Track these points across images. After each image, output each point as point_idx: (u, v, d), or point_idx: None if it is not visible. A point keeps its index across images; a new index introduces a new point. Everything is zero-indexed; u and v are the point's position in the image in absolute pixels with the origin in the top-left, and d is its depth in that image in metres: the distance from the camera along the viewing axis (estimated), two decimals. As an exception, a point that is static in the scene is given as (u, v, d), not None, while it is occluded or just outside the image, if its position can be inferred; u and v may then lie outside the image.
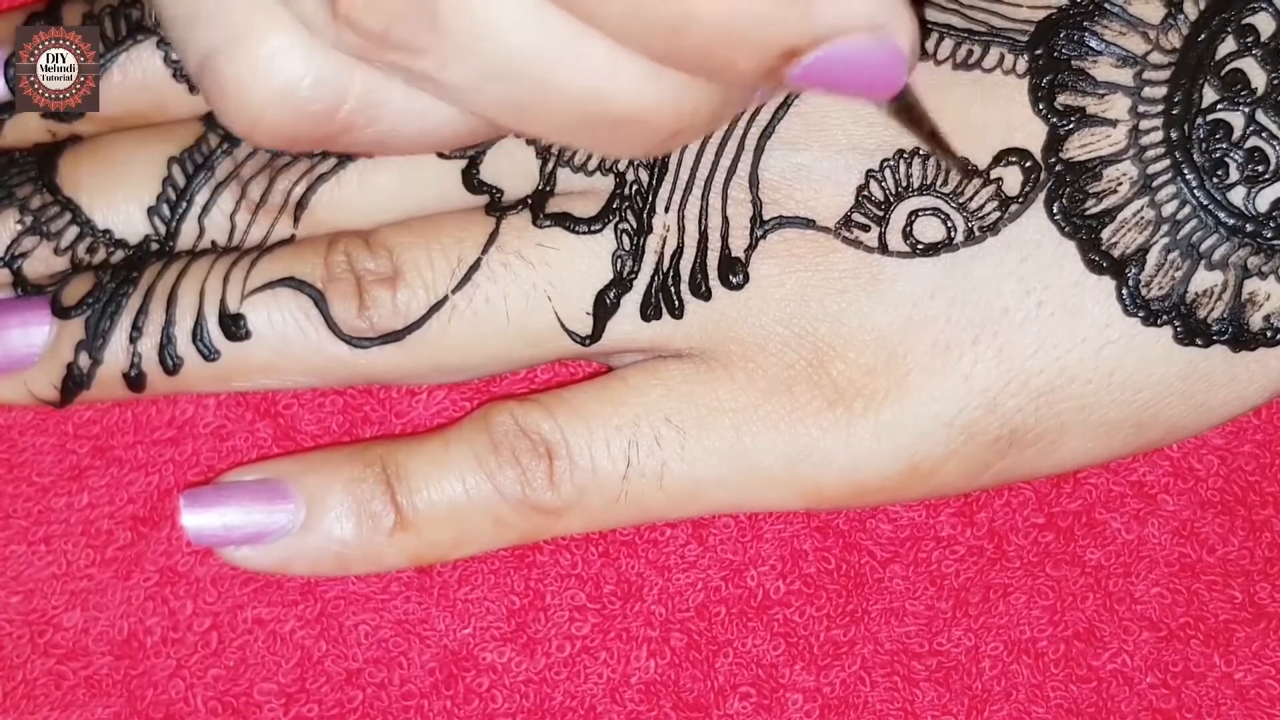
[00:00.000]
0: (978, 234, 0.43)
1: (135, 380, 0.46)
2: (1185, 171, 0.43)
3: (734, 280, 0.44)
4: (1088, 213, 0.43)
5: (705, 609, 0.48)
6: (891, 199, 0.44)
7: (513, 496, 0.45)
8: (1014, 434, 0.44)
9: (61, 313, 0.46)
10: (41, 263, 0.47)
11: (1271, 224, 0.43)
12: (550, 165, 0.45)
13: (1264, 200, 0.43)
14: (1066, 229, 0.43)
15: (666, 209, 0.45)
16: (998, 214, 0.43)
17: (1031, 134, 0.43)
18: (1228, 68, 0.43)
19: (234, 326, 0.46)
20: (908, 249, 0.44)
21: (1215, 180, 0.43)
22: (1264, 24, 0.43)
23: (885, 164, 0.44)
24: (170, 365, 0.46)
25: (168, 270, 0.46)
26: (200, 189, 0.47)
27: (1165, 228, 0.43)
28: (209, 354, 0.46)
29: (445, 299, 0.45)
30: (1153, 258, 0.43)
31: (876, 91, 0.38)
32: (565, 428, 0.45)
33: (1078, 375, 0.44)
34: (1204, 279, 0.43)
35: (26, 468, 0.48)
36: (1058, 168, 0.43)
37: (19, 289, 0.47)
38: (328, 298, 0.45)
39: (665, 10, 0.35)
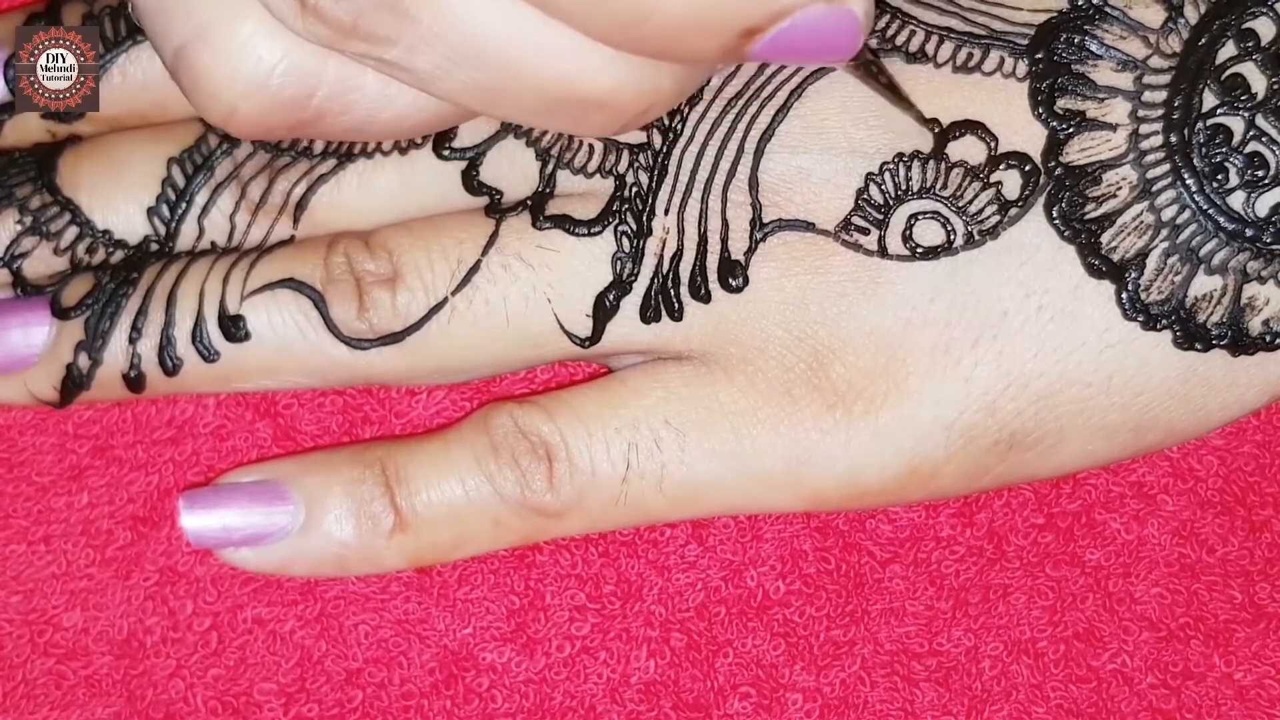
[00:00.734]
0: (977, 238, 0.43)
1: (135, 381, 0.46)
2: (1185, 176, 0.43)
3: (733, 283, 0.44)
4: (1087, 217, 0.43)
5: (705, 609, 0.48)
6: (891, 202, 0.44)
7: (512, 498, 0.45)
8: (1013, 437, 0.44)
9: (61, 313, 0.46)
10: (41, 263, 0.47)
11: (1271, 229, 0.42)
12: (550, 167, 0.45)
13: (1264, 205, 0.43)
14: (1066, 233, 0.43)
15: (666, 211, 0.45)
16: (997, 218, 0.43)
17: (1031, 138, 0.43)
18: (1228, 72, 0.43)
19: (233, 327, 0.46)
20: (907, 252, 0.44)
21: (1215, 185, 0.43)
22: (1264, 29, 0.43)
23: (885, 167, 0.44)
24: (170, 366, 0.46)
25: (167, 271, 0.46)
26: (200, 189, 0.47)
27: (1165, 232, 0.43)
28: (208, 355, 0.46)
29: (445, 301, 0.45)
30: (1152, 262, 0.43)
31: (835, 57, 0.38)
32: (565, 430, 0.45)
33: (1077, 379, 0.44)
34: (1203, 283, 0.43)
35: (26, 468, 0.48)
36: (1057, 172, 0.43)
37: (19, 289, 0.47)
38: (327, 299, 0.45)
39: (626, 2, 0.36)
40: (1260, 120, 0.43)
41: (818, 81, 0.44)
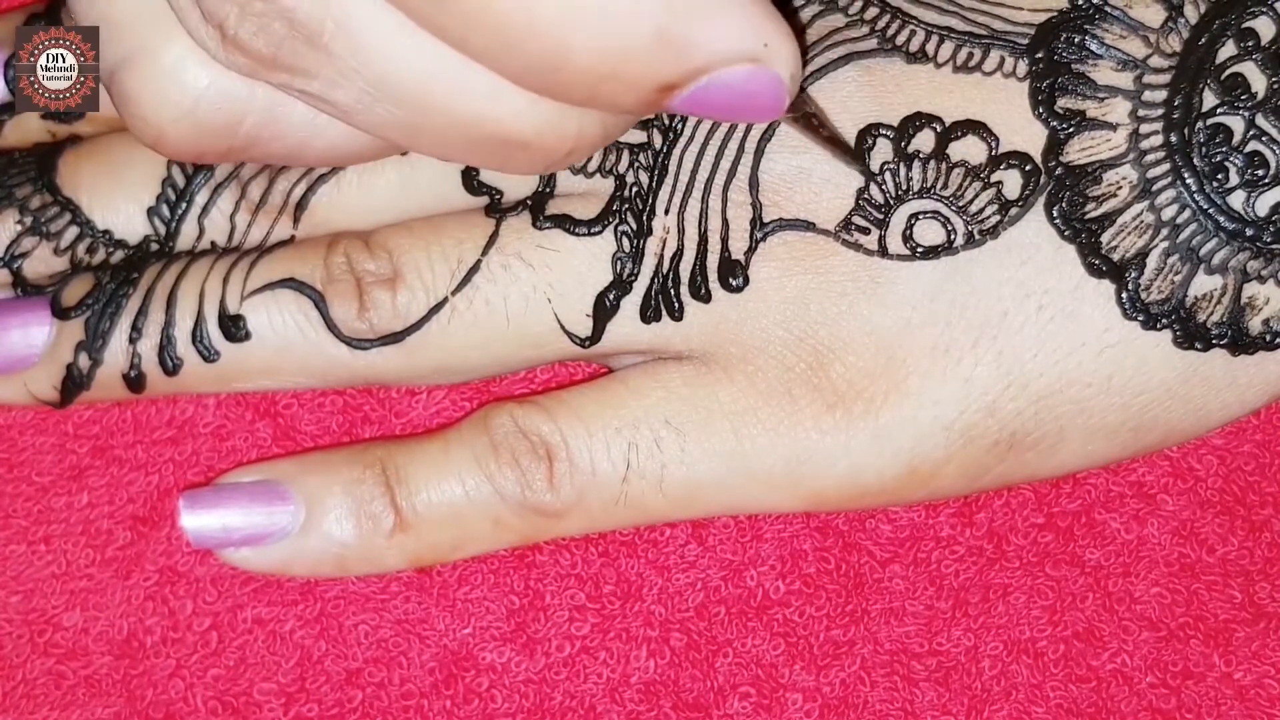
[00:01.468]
0: (978, 237, 0.43)
1: (135, 381, 0.46)
2: (1185, 175, 0.43)
3: (734, 283, 0.44)
4: (1087, 216, 0.43)
5: (705, 609, 0.48)
6: (891, 202, 0.44)
7: (512, 498, 0.45)
8: (1013, 437, 0.44)
9: (61, 313, 0.46)
10: (41, 263, 0.47)
11: (1271, 228, 0.43)
12: (550, 167, 0.45)
13: (1264, 204, 0.43)
14: (1066, 233, 0.43)
15: (666, 211, 0.45)
16: (997, 217, 0.43)
17: (1031, 137, 0.43)
18: (1228, 72, 0.43)
19: (234, 327, 0.46)
20: (908, 252, 0.44)
21: (1215, 184, 0.43)
22: (1264, 28, 0.43)
23: (885, 167, 0.44)
24: (170, 366, 0.46)
25: (167, 271, 0.46)
26: (200, 189, 0.47)
27: (1165, 232, 0.43)
28: (209, 355, 0.46)
29: (445, 301, 0.45)
30: (1152, 262, 0.43)
31: (758, 116, 0.39)
32: (565, 430, 0.45)
33: (1077, 379, 0.44)
34: (1203, 283, 0.43)
35: (26, 468, 0.48)
36: (1058, 171, 0.43)
37: (19, 289, 0.47)
38: (327, 299, 0.45)
39: (541, 49, 0.36)
40: (1260, 119, 0.43)
41: (818, 82, 0.44)
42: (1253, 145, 0.43)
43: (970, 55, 0.44)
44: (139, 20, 0.40)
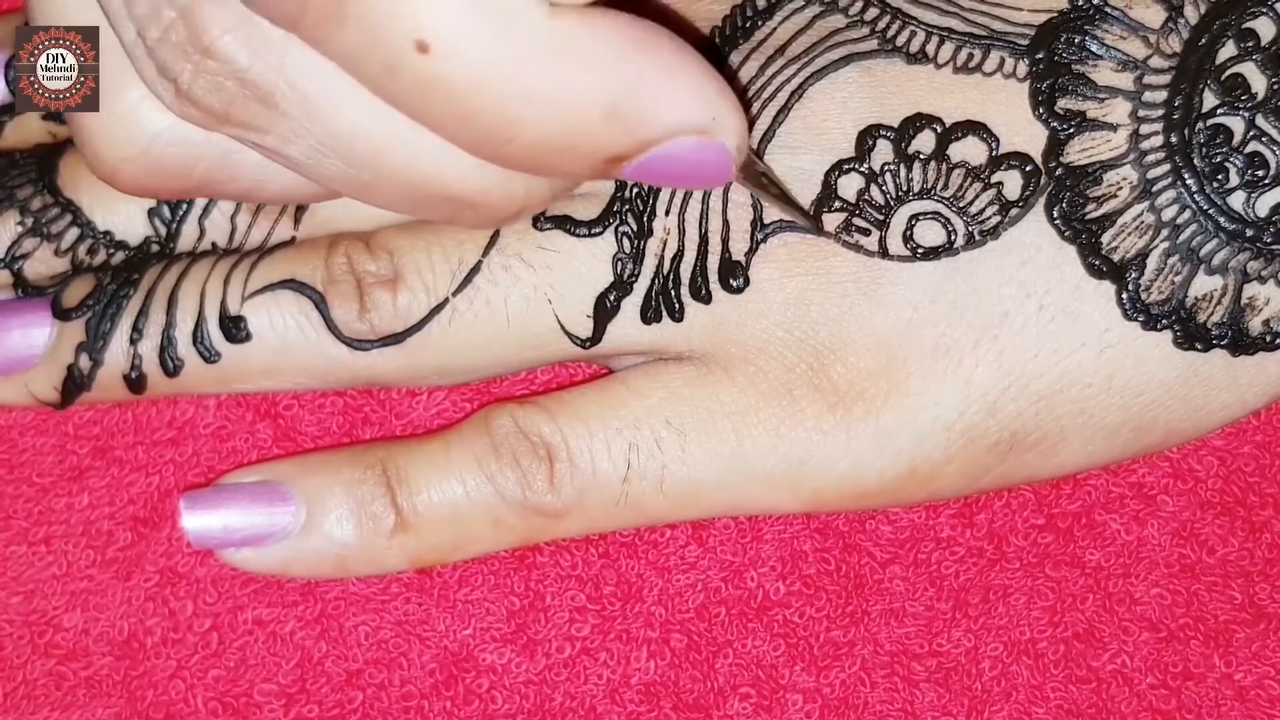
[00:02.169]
0: (978, 238, 0.43)
1: (136, 382, 0.46)
2: (1185, 176, 0.43)
3: (734, 283, 0.44)
4: (1088, 217, 0.43)
5: (705, 610, 0.48)
6: (892, 203, 0.44)
7: (513, 499, 0.45)
8: (1014, 438, 0.44)
9: (62, 314, 0.46)
10: (42, 264, 0.47)
11: (1271, 229, 0.43)
12: (551, 168, 0.45)
13: (1264, 205, 0.43)
14: (1067, 233, 0.43)
15: (667, 212, 0.45)
16: (998, 218, 0.43)
17: (1032, 138, 0.43)
18: (1228, 72, 0.43)
19: (234, 328, 0.46)
20: (908, 253, 0.44)
21: (1215, 185, 0.43)
22: (1264, 28, 0.43)
23: (886, 168, 0.44)
24: (171, 367, 0.46)
25: (168, 272, 0.46)
26: (201, 190, 0.47)
27: (1165, 232, 0.43)
28: (209, 356, 0.46)
29: (446, 301, 0.45)
30: (1153, 262, 0.43)
31: (705, 184, 0.40)
32: (566, 430, 0.45)
33: (1078, 379, 0.44)
34: (1204, 283, 0.43)
35: (27, 468, 0.48)
36: (1058, 172, 0.43)
37: (20, 290, 0.47)
38: (328, 300, 0.45)
39: (492, 123, 0.36)
40: (1260, 120, 0.43)
41: (819, 82, 0.44)
42: (1253, 146, 0.43)
43: (970, 56, 0.44)
44: (103, 60, 0.41)
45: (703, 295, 0.45)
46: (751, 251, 0.44)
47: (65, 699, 0.47)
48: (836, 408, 0.44)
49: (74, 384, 0.46)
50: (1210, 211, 0.43)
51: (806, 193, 0.44)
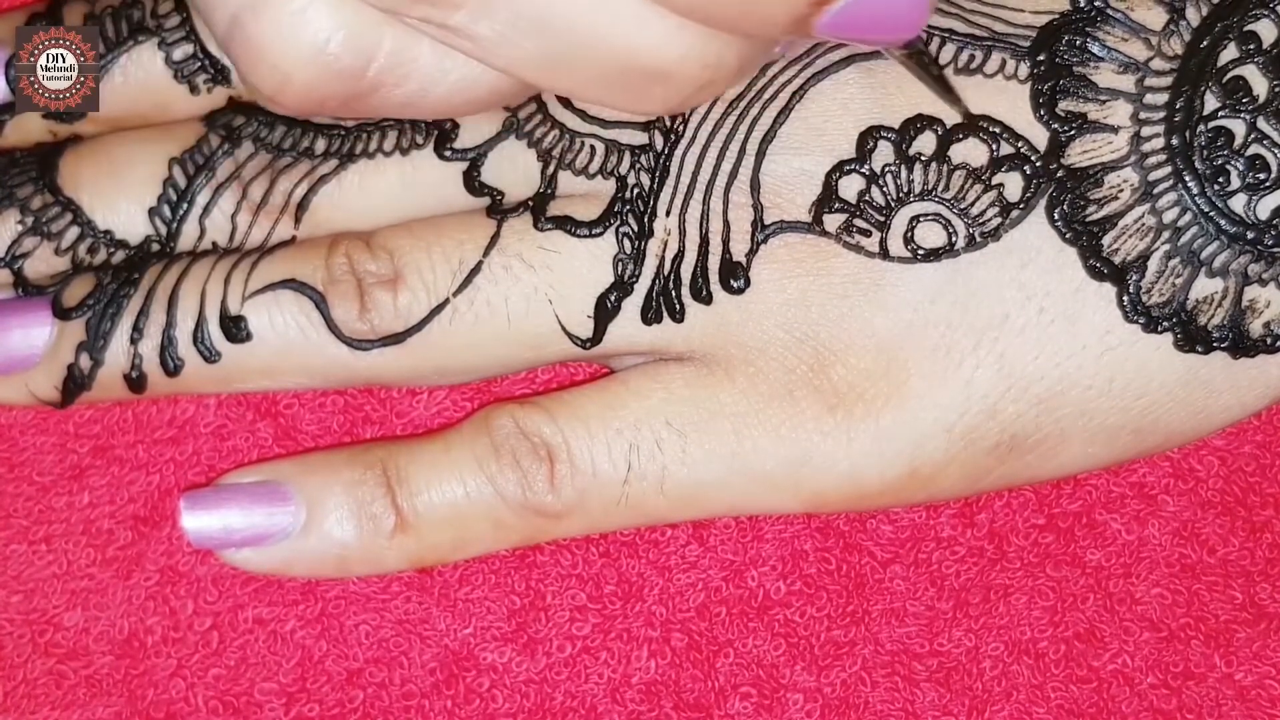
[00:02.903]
0: (979, 240, 0.43)
1: (136, 381, 0.46)
2: (1186, 178, 0.43)
3: (735, 284, 0.44)
4: (1089, 219, 0.43)
5: (706, 609, 0.48)
6: (893, 204, 0.44)
7: (513, 499, 0.45)
8: (1014, 440, 0.44)
9: (62, 314, 0.46)
10: (42, 263, 0.47)
11: (1272, 231, 0.43)
12: (551, 168, 0.45)
13: (1265, 208, 0.43)
14: (1068, 235, 0.43)
15: (668, 213, 0.45)
16: (999, 220, 0.43)
17: (1033, 140, 0.43)
18: (1229, 75, 0.43)
19: (235, 328, 0.46)
20: (909, 254, 0.44)
21: (1216, 187, 0.43)
22: (1266, 31, 0.43)
23: (887, 169, 0.44)
24: (171, 367, 0.46)
25: (168, 271, 0.46)
26: (201, 190, 0.47)
27: (1166, 234, 0.43)
28: (210, 355, 0.46)
29: (446, 301, 0.45)
30: (1153, 264, 0.43)
31: (899, 36, 0.38)
32: (566, 431, 0.45)
33: (1078, 381, 0.44)
34: (1204, 286, 0.43)
35: (27, 467, 0.48)
36: (1059, 174, 0.43)
37: (20, 289, 0.47)
38: (329, 300, 0.45)
39: None
40: (1262, 123, 0.43)
41: (820, 83, 0.44)
42: (1254, 148, 0.43)
43: (972, 57, 0.44)
44: None
45: (703, 296, 0.45)
46: (752, 252, 0.44)
47: (65, 698, 0.47)
48: (837, 409, 0.44)
49: (74, 383, 0.46)
50: (1211, 214, 0.43)
51: (807, 194, 0.44)
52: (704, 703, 0.47)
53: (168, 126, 0.48)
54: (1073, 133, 0.43)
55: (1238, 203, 0.43)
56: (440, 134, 0.46)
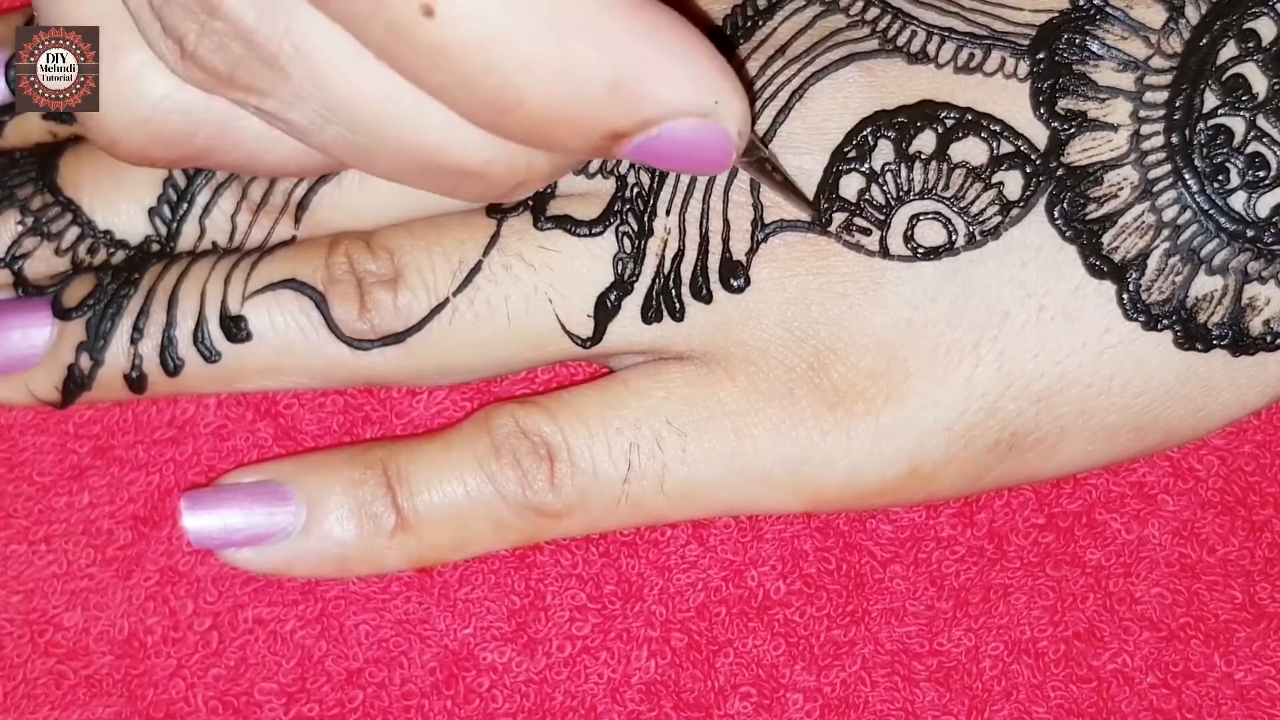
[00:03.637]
0: (979, 238, 0.43)
1: (136, 381, 0.46)
2: (1186, 177, 0.43)
3: (735, 283, 0.44)
4: (1089, 217, 0.43)
5: (706, 609, 0.48)
6: (893, 203, 0.44)
7: (514, 499, 0.45)
8: (1014, 438, 0.44)
9: (62, 314, 0.46)
10: (42, 263, 0.47)
11: (1272, 229, 0.43)
12: (551, 168, 0.45)
13: (1264, 205, 0.43)
14: (1067, 233, 0.43)
15: (668, 212, 0.45)
16: (999, 218, 0.43)
17: (1033, 138, 0.43)
18: (1229, 73, 0.43)
19: (235, 328, 0.46)
20: (909, 253, 0.44)
21: (1216, 185, 0.43)
22: (1265, 29, 0.43)
23: (886, 168, 0.44)
24: (171, 367, 0.46)
25: (169, 272, 0.46)
26: (201, 190, 0.47)
27: (1166, 233, 0.43)
28: (210, 355, 0.46)
29: (446, 301, 0.45)
30: (1153, 262, 0.43)
31: (705, 169, 0.39)
32: (566, 430, 0.45)
33: (1078, 379, 0.44)
34: (1204, 284, 0.43)
35: (27, 467, 0.48)
36: (1059, 172, 0.43)
37: (20, 290, 0.47)
38: (329, 299, 0.45)
39: (494, 89, 0.36)
40: (1261, 121, 0.43)
41: (819, 82, 0.44)
42: (1253, 146, 0.43)
43: (971, 56, 0.44)
44: (104, 25, 0.40)
45: (703, 295, 0.45)
46: (752, 251, 0.44)
47: (65, 698, 0.47)
48: (837, 408, 0.44)
49: (74, 383, 0.46)
50: (1211, 212, 0.43)
51: (807, 192, 0.44)
52: (704, 703, 0.47)
53: (168, 126, 0.48)
54: (1072, 131, 0.43)
55: (1237, 200, 0.43)
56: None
